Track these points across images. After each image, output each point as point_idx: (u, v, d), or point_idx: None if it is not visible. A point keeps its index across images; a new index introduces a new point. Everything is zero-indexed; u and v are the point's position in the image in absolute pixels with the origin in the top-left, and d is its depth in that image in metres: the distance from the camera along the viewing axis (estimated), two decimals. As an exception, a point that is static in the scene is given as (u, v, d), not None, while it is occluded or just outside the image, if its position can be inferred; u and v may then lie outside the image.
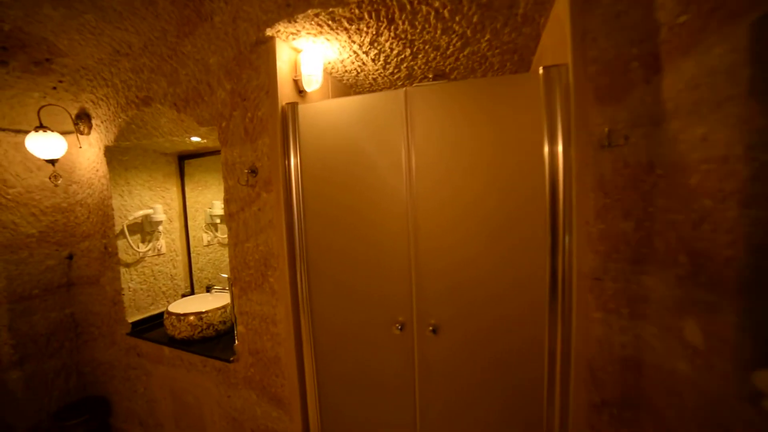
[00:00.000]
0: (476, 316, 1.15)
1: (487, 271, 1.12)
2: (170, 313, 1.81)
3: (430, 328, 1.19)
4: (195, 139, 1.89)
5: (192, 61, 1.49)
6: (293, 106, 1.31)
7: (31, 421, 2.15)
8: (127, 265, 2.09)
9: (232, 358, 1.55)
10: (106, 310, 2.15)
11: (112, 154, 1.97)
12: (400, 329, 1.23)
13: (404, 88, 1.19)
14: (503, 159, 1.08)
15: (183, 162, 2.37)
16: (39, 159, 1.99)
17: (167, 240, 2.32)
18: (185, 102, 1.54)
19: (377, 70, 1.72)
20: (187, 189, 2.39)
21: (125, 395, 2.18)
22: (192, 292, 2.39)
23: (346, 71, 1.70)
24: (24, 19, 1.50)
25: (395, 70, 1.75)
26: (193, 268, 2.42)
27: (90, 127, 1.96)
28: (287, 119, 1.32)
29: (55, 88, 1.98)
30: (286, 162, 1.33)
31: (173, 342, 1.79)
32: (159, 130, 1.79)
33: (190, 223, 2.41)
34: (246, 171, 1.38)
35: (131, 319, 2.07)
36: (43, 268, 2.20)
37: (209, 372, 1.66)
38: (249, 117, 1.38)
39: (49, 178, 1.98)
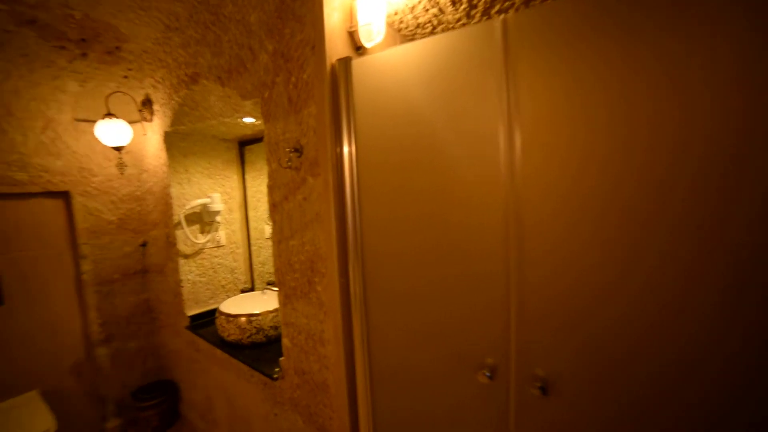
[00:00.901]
0: (618, 378, 0.70)
1: (643, 303, 0.67)
2: (221, 313, 1.66)
3: (538, 384, 0.77)
4: (248, 120, 1.70)
5: (233, 24, 1.25)
6: (345, 62, 0.98)
7: (118, 396, 2.25)
8: (186, 257, 2.02)
9: (276, 375, 1.32)
10: (170, 300, 2.13)
11: (171, 140, 1.89)
12: (489, 376, 0.84)
13: (502, 16, 0.77)
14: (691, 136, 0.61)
15: (243, 148, 2.23)
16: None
17: (227, 231, 2.22)
18: (228, 73, 1.32)
19: (459, 19, 1.31)
20: (248, 177, 2.26)
21: (189, 386, 2.16)
22: (252, 288, 2.28)
23: (418, 25, 1.32)
24: (86, 2, 1.42)
25: (483, 18, 1.31)
26: (254, 262, 2.29)
27: (152, 114, 1.90)
28: (338, 80, 0.99)
29: (126, 77, 1.96)
30: (337, 137, 1.01)
31: (223, 344, 1.64)
32: (210, 111, 1.63)
33: (251, 213, 2.28)
34: (288, 150, 1.09)
35: (190, 312, 2.01)
36: (122, 254, 2.26)
37: (256, 384, 1.47)
38: (293, 82, 1.09)
39: (116, 167, 1.98)
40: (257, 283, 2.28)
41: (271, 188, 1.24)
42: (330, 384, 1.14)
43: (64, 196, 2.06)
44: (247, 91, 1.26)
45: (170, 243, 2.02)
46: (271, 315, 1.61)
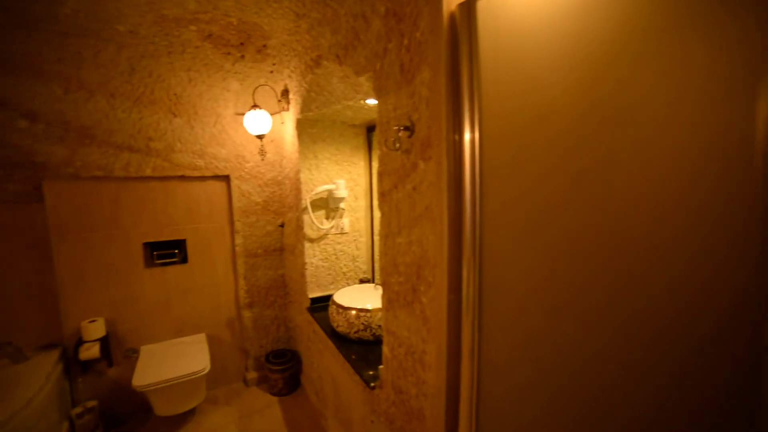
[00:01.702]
0: None
1: None
2: (333, 302, 1.64)
3: None
4: (371, 102, 1.60)
5: (352, -9, 1.13)
6: (468, 6, 0.72)
7: (256, 353, 2.58)
8: (311, 241, 2.09)
9: (373, 384, 1.19)
10: (298, 279, 2.28)
11: (302, 127, 1.96)
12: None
13: None
14: None
15: (371, 134, 2.19)
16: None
17: (352, 218, 2.23)
18: (344, 50, 1.22)
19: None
20: (374, 164, 2.21)
21: (307, 361, 2.29)
22: (372, 279, 2.24)
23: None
24: (235, 6, 1.56)
25: None
26: (376, 252, 2.25)
27: (288, 103, 2.01)
28: (457, 33, 0.75)
29: (271, 71, 2.13)
30: (454, 107, 0.77)
31: (333, 334, 1.62)
32: (333, 94, 1.59)
33: (376, 202, 2.24)
34: (397, 128, 0.91)
35: (312, 294, 2.09)
36: (264, 232, 2.54)
37: (357, 383, 1.38)
38: (405, 45, 0.89)
39: (259, 153, 2.18)
40: (377, 274, 2.24)
41: (381, 175, 1.09)
42: (427, 416, 0.93)
43: (226, 179, 2.41)
44: (360, 66, 1.13)
45: (299, 226, 2.14)
46: (381, 313, 1.50)
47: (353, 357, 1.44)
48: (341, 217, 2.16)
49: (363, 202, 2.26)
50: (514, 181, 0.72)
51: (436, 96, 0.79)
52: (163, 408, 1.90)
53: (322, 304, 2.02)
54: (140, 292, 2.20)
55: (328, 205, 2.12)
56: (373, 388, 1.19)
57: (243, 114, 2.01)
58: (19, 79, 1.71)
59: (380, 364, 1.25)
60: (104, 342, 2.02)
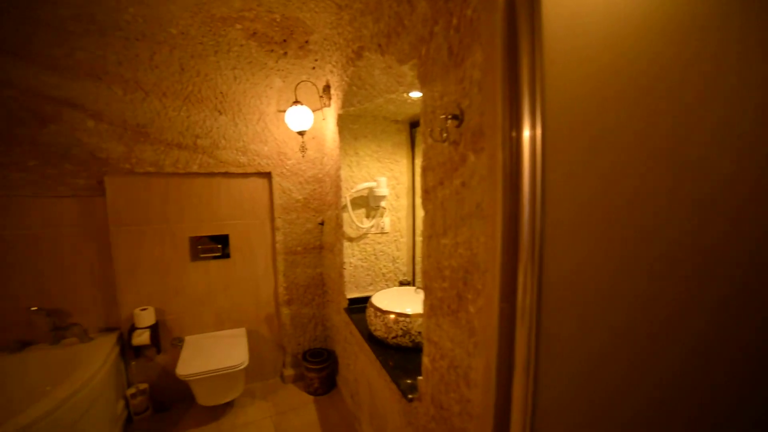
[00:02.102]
0: None
1: None
2: (371, 304, 1.58)
3: None
4: (415, 95, 1.51)
5: (397, -26, 1.06)
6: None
7: (294, 351, 2.59)
8: (351, 240, 2.05)
9: (411, 396, 1.10)
10: (336, 278, 2.25)
11: (343, 122, 1.92)
12: None
13: None
14: None
15: (414, 130, 2.10)
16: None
17: (393, 218, 2.15)
18: (387, 38, 1.14)
19: None
20: (417, 162, 2.12)
21: (344, 363, 2.25)
22: (412, 282, 2.16)
23: None
24: (279, 2, 1.55)
25: None
26: (418, 254, 2.16)
27: (330, 98, 1.98)
28: (514, 6, 0.64)
29: (313, 67, 2.12)
30: (511, 90, 0.67)
31: (370, 338, 1.56)
32: (375, 87, 1.52)
33: (418, 201, 2.15)
34: (445, 117, 0.82)
35: (350, 295, 2.04)
36: (304, 230, 2.55)
37: (394, 392, 1.30)
38: (454, 26, 0.80)
39: (299, 150, 2.18)
40: (418, 277, 2.15)
41: (425, 170, 1.00)
42: (474, 440, 0.83)
43: (268, 176, 2.44)
44: (404, 53, 1.05)
45: (338, 225, 2.10)
46: (421, 319, 1.41)
47: (390, 363, 1.36)
48: (382, 216, 2.10)
49: (404, 201, 2.18)
50: (585, 176, 0.61)
51: (490, 79, 0.70)
52: (204, 397, 1.95)
53: (360, 305, 1.97)
54: (186, 284, 2.29)
55: (369, 203, 2.07)
56: (411, 399, 1.11)
57: (285, 111, 2.01)
58: (86, 84, 1.83)
59: (419, 374, 1.16)
60: (154, 330, 2.12)
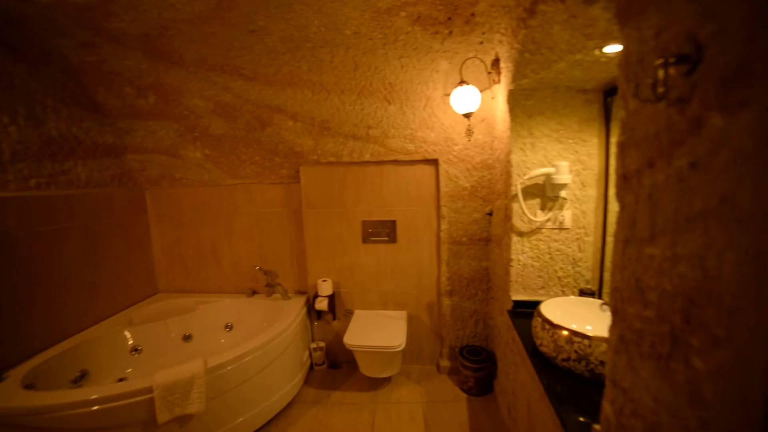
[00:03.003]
0: None
1: None
2: (539, 313, 1.32)
3: None
4: (609, 49, 1.13)
5: None
6: None
7: (452, 343, 2.55)
8: (521, 234, 1.79)
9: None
10: (501, 275, 2.03)
11: (515, 99, 1.66)
12: None
13: None
14: None
15: (609, 100, 1.63)
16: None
17: (576, 212, 1.76)
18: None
19: None
20: (613, 143, 1.64)
21: (503, 369, 2.03)
22: (597, 293, 1.71)
23: None
24: None
25: None
26: (606, 258, 1.71)
27: (499, 73, 1.75)
28: None
29: (481, 42, 1.93)
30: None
31: (534, 352, 1.30)
32: (554, 49, 1.22)
33: (612, 191, 1.67)
34: (661, 62, 0.53)
35: (516, 297, 1.80)
36: (471, 219, 2.41)
37: (558, 428, 1.04)
38: None
39: (465, 134, 2.02)
40: (605, 288, 1.70)
41: (624, 147, 0.71)
42: None
43: (434, 163, 2.41)
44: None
45: (507, 216, 1.87)
46: (605, 346, 1.08)
47: (557, 390, 1.10)
48: (561, 208, 1.74)
49: (593, 191, 1.74)
50: None
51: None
52: (364, 368, 2.15)
53: (527, 309, 1.71)
54: (358, 263, 2.56)
55: (545, 192, 1.74)
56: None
57: (450, 94, 1.90)
58: (287, 91, 2.23)
59: (595, 412, 0.87)
60: (331, 299, 2.48)
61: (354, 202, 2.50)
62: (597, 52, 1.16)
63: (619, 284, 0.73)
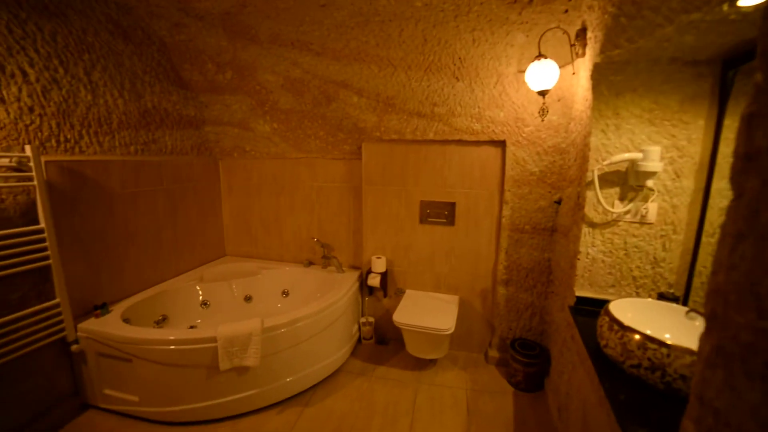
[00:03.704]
0: None
1: None
2: (607, 312, 1.19)
3: None
4: (748, 1, 0.92)
5: None
6: None
7: (503, 333, 2.45)
8: (593, 225, 1.62)
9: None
10: (565, 268, 1.88)
11: (601, 74, 1.46)
12: None
13: None
14: None
15: (729, 74, 1.36)
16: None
17: (664, 205, 1.53)
18: None
19: None
20: (729, 124, 1.38)
21: (557, 367, 1.90)
22: (682, 299, 1.50)
23: None
24: None
25: None
26: (699, 261, 1.48)
27: (584, 45, 1.55)
28: None
29: (566, 10, 1.72)
30: None
31: (597, 353, 1.19)
32: (660, 9, 1.02)
33: (717, 184, 1.42)
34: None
35: (580, 293, 1.65)
36: (536, 207, 2.25)
37: (624, 442, 0.94)
38: None
39: (538, 113, 1.85)
40: (694, 295, 1.48)
41: (753, 118, 0.57)
42: None
43: (501, 144, 2.27)
44: None
45: (579, 205, 1.70)
46: (690, 358, 0.93)
47: (621, 397, 0.99)
48: (645, 200, 1.53)
49: (689, 183, 1.50)
50: None
51: None
52: (411, 347, 2.15)
53: (591, 308, 1.57)
54: (413, 243, 2.54)
55: (627, 181, 1.54)
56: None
57: (525, 71, 1.74)
58: (354, 66, 2.21)
59: (666, 429, 0.77)
60: (383, 276, 2.50)
61: (414, 182, 2.46)
62: (726, 6, 0.94)
63: (723, 286, 0.61)
